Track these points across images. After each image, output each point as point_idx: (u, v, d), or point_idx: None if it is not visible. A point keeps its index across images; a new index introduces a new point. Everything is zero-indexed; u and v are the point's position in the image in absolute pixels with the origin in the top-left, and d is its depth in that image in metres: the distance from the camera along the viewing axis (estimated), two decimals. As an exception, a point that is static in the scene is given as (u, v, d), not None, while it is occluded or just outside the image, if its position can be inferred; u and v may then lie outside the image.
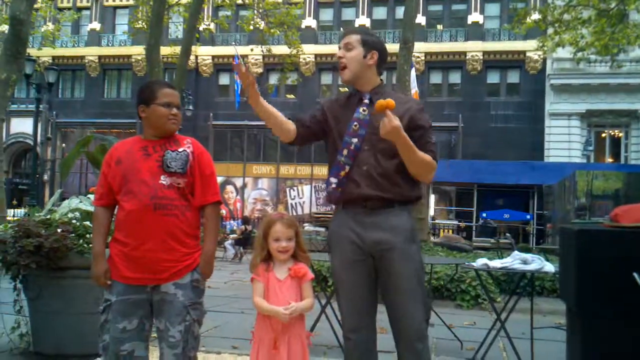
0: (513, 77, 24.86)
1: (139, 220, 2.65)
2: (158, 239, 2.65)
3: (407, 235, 2.69)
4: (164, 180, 2.70)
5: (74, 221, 4.45)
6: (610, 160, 23.63)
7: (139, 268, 2.67)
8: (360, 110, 2.75)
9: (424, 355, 2.66)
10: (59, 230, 4.28)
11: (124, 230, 2.71)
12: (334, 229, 2.82)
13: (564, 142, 23.15)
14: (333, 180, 2.73)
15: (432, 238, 15.21)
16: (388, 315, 2.73)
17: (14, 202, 20.60)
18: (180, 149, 2.78)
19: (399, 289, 2.66)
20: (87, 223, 4.46)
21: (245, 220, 19.20)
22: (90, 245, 4.27)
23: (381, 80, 2.88)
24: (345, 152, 2.72)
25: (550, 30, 16.69)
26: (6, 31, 13.09)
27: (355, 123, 2.73)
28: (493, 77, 25.03)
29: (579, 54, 15.97)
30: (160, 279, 2.67)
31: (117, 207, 2.82)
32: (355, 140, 2.71)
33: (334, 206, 2.90)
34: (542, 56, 23.03)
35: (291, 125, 2.77)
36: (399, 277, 2.65)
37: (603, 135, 23.85)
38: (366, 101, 2.77)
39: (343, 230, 2.74)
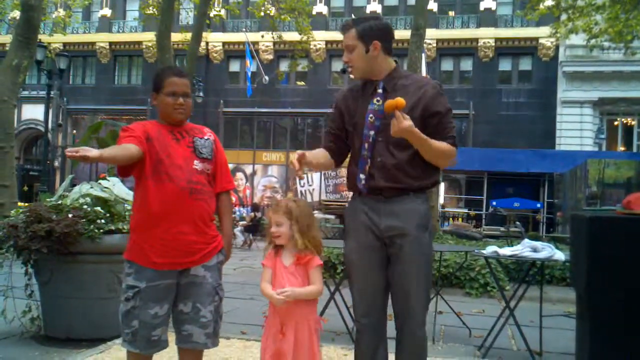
0: (525, 64, 24.63)
1: (174, 203, 2.66)
2: (192, 223, 2.70)
3: (420, 222, 2.69)
4: (197, 165, 2.76)
5: (85, 207, 4.48)
6: (622, 148, 23.40)
7: (169, 252, 2.67)
8: (374, 101, 2.73)
9: (423, 342, 2.73)
10: (70, 215, 4.32)
11: (154, 214, 2.67)
12: (349, 214, 2.84)
13: (575, 130, 22.95)
14: (362, 176, 2.73)
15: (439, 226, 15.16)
16: (392, 300, 2.76)
17: (25, 188, 20.74)
18: (205, 137, 2.87)
19: (407, 276, 2.67)
20: (98, 209, 4.49)
21: (255, 207, 19.21)
22: (101, 230, 4.33)
23: (395, 61, 2.81)
24: (366, 145, 2.72)
25: (563, 17, 16.51)
26: (18, 17, 13.14)
27: (371, 115, 2.72)
28: (505, 64, 24.81)
29: (593, 41, 15.80)
30: (191, 262, 2.71)
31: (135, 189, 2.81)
32: (372, 132, 2.71)
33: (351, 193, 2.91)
34: (554, 43, 22.80)
35: (329, 158, 2.88)
36: (408, 264, 2.66)
37: (615, 123, 23.62)
38: (380, 91, 2.74)
39: (359, 215, 2.75)
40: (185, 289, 2.74)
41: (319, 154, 2.83)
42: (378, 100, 2.72)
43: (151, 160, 2.68)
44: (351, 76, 2.82)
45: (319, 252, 2.71)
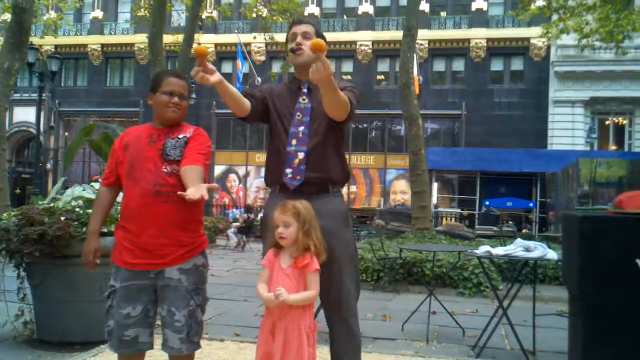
0: (517, 64, 24.71)
1: (141, 206, 2.68)
2: (159, 225, 2.67)
3: (343, 219, 2.85)
4: (165, 168, 2.72)
5: (77, 209, 4.47)
6: (614, 147, 23.52)
7: (141, 254, 2.69)
8: (300, 100, 2.87)
9: (354, 329, 2.85)
10: (62, 218, 4.30)
11: (127, 217, 2.74)
12: (269, 211, 2.80)
13: (567, 129, 23.06)
14: (288, 170, 2.80)
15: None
16: (322, 295, 2.75)
17: (17, 190, 20.63)
18: (180, 136, 2.80)
19: (336, 271, 2.77)
20: (91, 211, 4.47)
21: (248, 209, 19.15)
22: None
23: None
24: (294, 141, 2.82)
25: (554, 17, 16.59)
26: (9, 20, 13.07)
27: (299, 113, 2.86)
28: (497, 65, 24.88)
29: (584, 41, 15.88)
30: (163, 264, 2.69)
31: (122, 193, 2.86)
32: (302, 128, 2.83)
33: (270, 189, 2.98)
34: (546, 43, 22.90)
35: (247, 102, 2.82)
36: (336, 261, 2.76)
37: (607, 122, 23.74)
38: (305, 90, 2.89)
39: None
40: (161, 292, 2.73)
41: (235, 89, 2.74)
42: (304, 99, 2.88)
43: (124, 166, 2.77)
44: (296, 59, 2.85)
45: (318, 254, 2.63)
